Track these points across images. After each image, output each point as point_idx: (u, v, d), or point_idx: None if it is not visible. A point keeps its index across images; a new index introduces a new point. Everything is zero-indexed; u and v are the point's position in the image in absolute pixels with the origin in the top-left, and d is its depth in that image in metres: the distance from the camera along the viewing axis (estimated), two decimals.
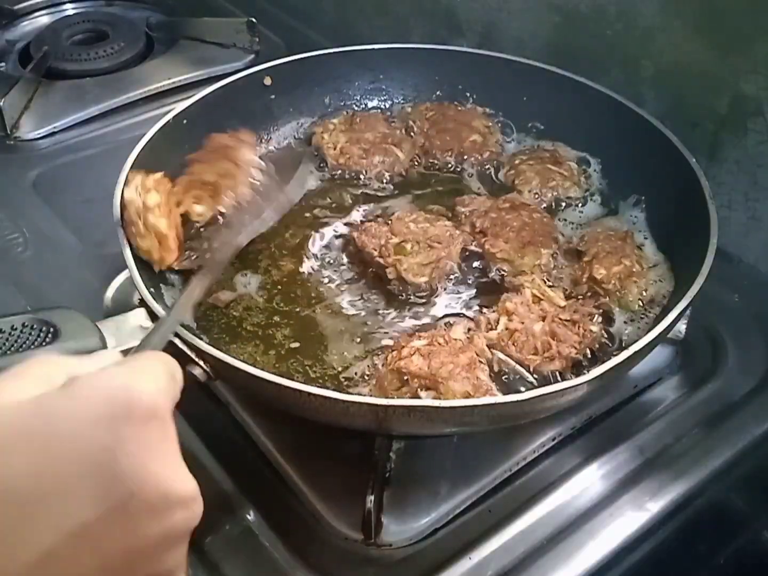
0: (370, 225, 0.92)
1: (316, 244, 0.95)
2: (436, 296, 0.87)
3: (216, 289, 0.87)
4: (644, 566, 0.77)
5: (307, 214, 0.98)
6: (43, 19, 1.56)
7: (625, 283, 0.85)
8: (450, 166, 1.06)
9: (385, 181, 1.04)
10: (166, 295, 0.84)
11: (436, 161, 1.07)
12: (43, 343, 0.66)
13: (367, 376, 0.79)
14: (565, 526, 0.75)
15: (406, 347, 0.76)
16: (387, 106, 1.15)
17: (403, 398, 0.72)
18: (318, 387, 0.66)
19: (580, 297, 0.85)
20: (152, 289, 0.76)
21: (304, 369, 0.80)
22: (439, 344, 0.76)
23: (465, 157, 1.06)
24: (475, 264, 0.91)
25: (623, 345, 0.81)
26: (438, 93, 1.13)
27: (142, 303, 0.74)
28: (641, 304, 0.85)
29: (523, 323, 0.79)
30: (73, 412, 0.41)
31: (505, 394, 0.74)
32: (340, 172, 1.04)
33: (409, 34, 1.35)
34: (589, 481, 0.79)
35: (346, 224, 0.97)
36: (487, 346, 0.78)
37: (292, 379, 0.69)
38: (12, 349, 0.65)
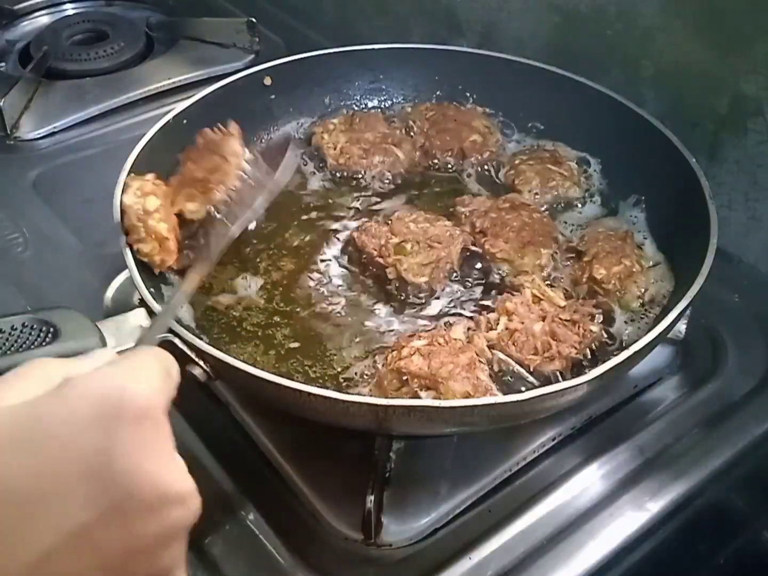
0: (370, 225, 0.92)
1: (316, 245, 0.95)
2: (436, 296, 0.87)
3: (216, 291, 0.87)
4: (644, 566, 0.77)
5: (307, 215, 0.99)
6: (43, 19, 1.56)
7: (625, 283, 0.85)
8: (450, 166, 1.06)
9: (385, 181, 1.04)
10: (166, 295, 0.84)
11: (436, 161, 1.07)
12: (43, 343, 0.66)
13: (367, 376, 0.79)
14: (565, 526, 0.75)
15: (406, 347, 0.76)
16: (387, 106, 1.15)
17: (403, 398, 0.72)
18: (318, 387, 0.66)
19: (580, 297, 0.85)
20: (152, 289, 0.76)
21: (304, 369, 0.80)
22: (439, 344, 0.76)
23: (465, 157, 1.06)
24: (475, 264, 0.91)
25: (623, 345, 0.81)
26: (438, 93, 1.13)
27: (142, 303, 0.74)
28: (641, 304, 0.85)
29: (523, 323, 0.79)
30: (67, 414, 0.42)
31: (505, 394, 0.74)
32: (340, 172, 1.04)
33: (409, 34, 1.35)
34: (589, 481, 0.79)
35: (346, 224, 0.97)
36: (487, 346, 0.78)
37: (292, 379, 0.69)
38: (12, 349, 0.65)
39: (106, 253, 0.95)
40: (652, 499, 0.77)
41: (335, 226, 0.97)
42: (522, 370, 0.77)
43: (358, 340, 0.83)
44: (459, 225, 0.93)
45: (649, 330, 0.73)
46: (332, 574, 0.72)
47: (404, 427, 0.70)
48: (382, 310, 0.86)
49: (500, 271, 0.89)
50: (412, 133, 1.09)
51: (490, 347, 0.79)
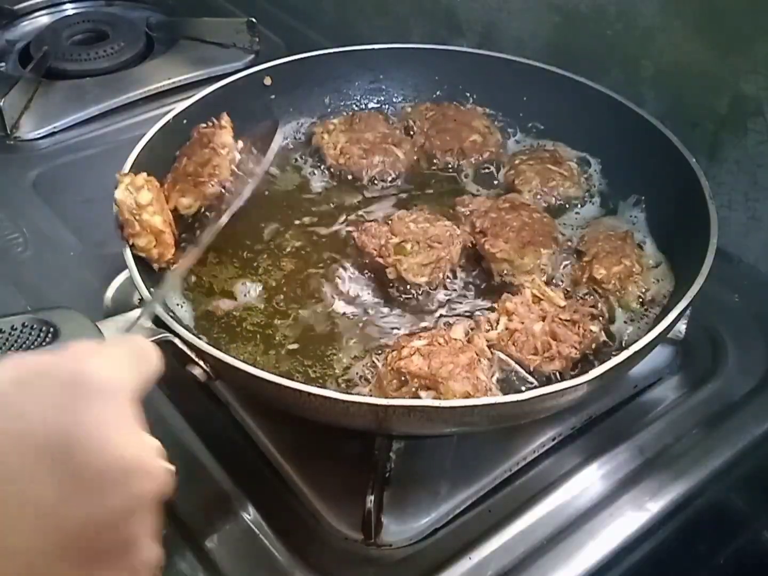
0: (370, 225, 0.92)
1: (316, 245, 0.95)
2: (436, 296, 0.87)
3: (216, 291, 0.87)
4: (644, 566, 0.77)
5: (307, 215, 0.99)
6: (43, 19, 1.56)
7: (625, 283, 0.85)
8: (450, 166, 1.06)
9: (385, 181, 1.04)
10: (166, 295, 0.85)
11: (436, 161, 1.07)
12: (43, 343, 0.66)
13: (367, 376, 0.79)
14: (565, 526, 0.75)
15: (406, 347, 0.76)
16: (387, 106, 1.15)
17: (403, 398, 0.72)
18: (318, 387, 0.66)
19: (580, 297, 0.85)
20: (152, 289, 0.76)
21: (304, 369, 0.80)
22: (439, 344, 0.76)
23: (465, 157, 1.06)
24: (475, 264, 0.91)
25: (623, 345, 0.81)
26: (438, 93, 1.13)
27: (142, 303, 0.74)
28: (641, 304, 0.85)
29: (523, 323, 0.79)
30: (28, 394, 0.43)
31: (505, 394, 0.74)
32: (340, 172, 1.04)
33: (409, 34, 1.35)
34: (589, 481, 0.79)
35: (346, 224, 0.97)
36: (487, 346, 0.78)
37: (292, 379, 0.69)
38: (12, 349, 0.65)
39: (106, 253, 0.95)
40: (652, 499, 0.77)
41: (335, 226, 0.97)
42: (522, 370, 0.77)
43: (357, 340, 0.83)
44: (459, 225, 0.93)
45: (649, 330, 0.73)
46: (332, 574, 0.72)
47: (404, 427, 0.70)
48: (382, 310, 0.86)
49: (500, 271, 0.89)
50: (412, 133, 1.09)
51: (490, 347, 0.79)
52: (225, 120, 0.94)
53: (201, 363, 0.70)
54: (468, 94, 1.12)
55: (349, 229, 0.96)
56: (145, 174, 0.85)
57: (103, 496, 0.42)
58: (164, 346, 0.69)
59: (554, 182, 1.00)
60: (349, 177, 1.04)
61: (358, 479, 0.74)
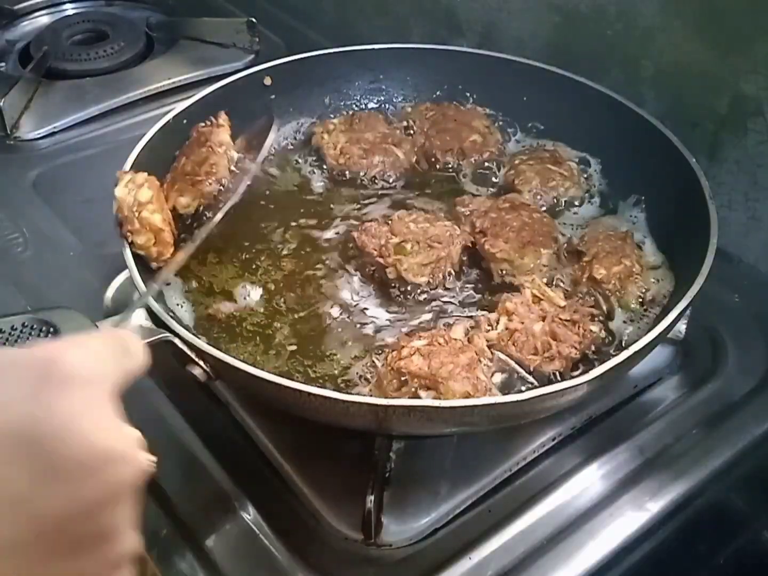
0: (370, 225, 0.92)
1: (316, 245, 0.95)
2: (436, 296, 0.87)
3: (216, 291, 0.87)
4: (644, 566, 0.77)
5: (307, 215, 0.98)
6: (43, 19, 1.56)
7: (625, 283, 0.85)
8: (450, 166, 1.06)
9: (385, 181, 1.04)
10: (167, 295, 0.85)
11: (436, 161, 1.07)
12: None
13: (367, 376, 0.79)
14: (565, 526, 0.75)
15: (406, 347, 0.76)
16: (387, 106, 1.15)
17: (403, 398, 0.72)
18: (318, 387, 0.66)
19: (580, 297, 0.85)
20: (147, 282, 0.76)
21: (304, 369, 0.80)
22: (439, 344, 0.76)
23: (465, 157, 1.06)
24: (475, 264, 0.91)
25: (623, 345, 0.81)
26: (438, 93, 1.13)
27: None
28: (641, 304, 0.85)
29: (523, 323, 0.79)
30: (1, 384, 0.42)
31: (505, 394, 0.74)
32: (340, 172, 1.04)
33: (409, 34, 1.35)
34: (589, 481, 0.79)
35: (346, 224, 0.97)
36: (487, 346, 0.78)
37: (292, 379, 0.69)
38: None
39: (106, 253, 0.95)
40: (652, 499, 0.77)
41: (335, 226, 0.97)
42: (522, 370, 0.77)
43: (357, 340, 0.83)
44: (459, 225, 0.93)
45: (649, 330, 0.73)
46: (332, 574, 0.72)
47: (404, 427, 0.70)
48: (382, 310, 0.86)
49: (500, 271, 0.89)
50: (412, 133, 1.09)
51: (490, 347, 0.79)
52: (222, 119, 0.94)
53: (201, 363, 0.70)
54: (468, 94, 1.12)
55: (349, 229, 0.96)
56: (145, 173, 0.85)
57: (77, 485, 0.42)
58: (164, 346, 0.69)
59: (554, 182, 1.00)
60: (349, 177, 1.04)
61: (358, 479, 0.74)
